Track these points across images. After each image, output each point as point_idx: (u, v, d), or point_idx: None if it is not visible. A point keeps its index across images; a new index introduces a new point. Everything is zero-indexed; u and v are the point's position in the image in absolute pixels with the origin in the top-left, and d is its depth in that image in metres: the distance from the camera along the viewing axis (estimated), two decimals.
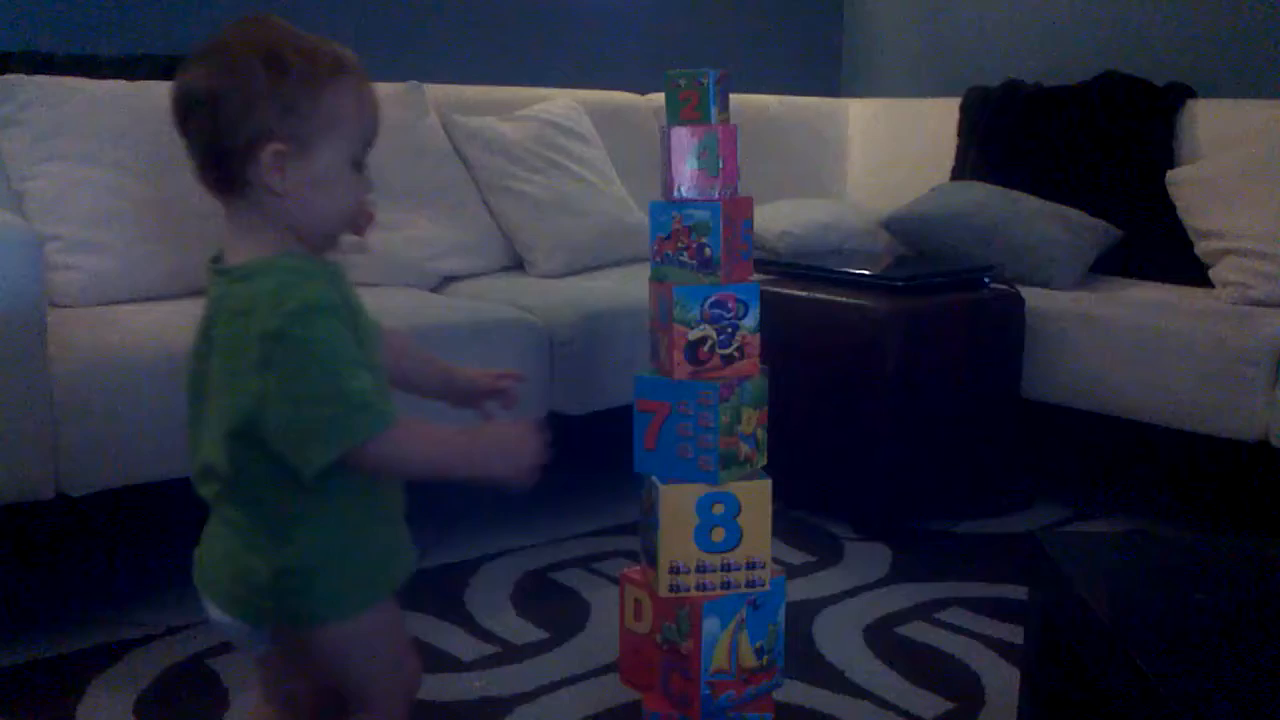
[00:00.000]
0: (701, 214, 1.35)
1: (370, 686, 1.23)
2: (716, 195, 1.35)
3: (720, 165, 1.35)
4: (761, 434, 1.44)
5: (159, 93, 2.48)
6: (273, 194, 1.10)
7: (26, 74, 2.35)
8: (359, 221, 1.17)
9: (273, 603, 1.15)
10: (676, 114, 1.37)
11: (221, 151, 1.09)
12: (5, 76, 2.33)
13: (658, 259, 1.38)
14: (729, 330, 1.36)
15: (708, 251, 1.35)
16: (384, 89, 3.03)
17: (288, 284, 1.07)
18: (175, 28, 2.86)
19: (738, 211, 1.37)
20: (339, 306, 1.09)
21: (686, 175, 1.35)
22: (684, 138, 1.35)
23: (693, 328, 1.36)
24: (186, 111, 1.11)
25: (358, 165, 1.15)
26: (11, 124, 2.32)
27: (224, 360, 1.10)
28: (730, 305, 1.37)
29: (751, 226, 1.42)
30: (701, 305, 1.36)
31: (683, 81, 1.36)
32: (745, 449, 1.41)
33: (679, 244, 1.36)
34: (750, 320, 1.38)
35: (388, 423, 1.07)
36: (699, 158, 1.35)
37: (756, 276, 2.72)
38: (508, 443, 1.15)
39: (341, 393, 1.05)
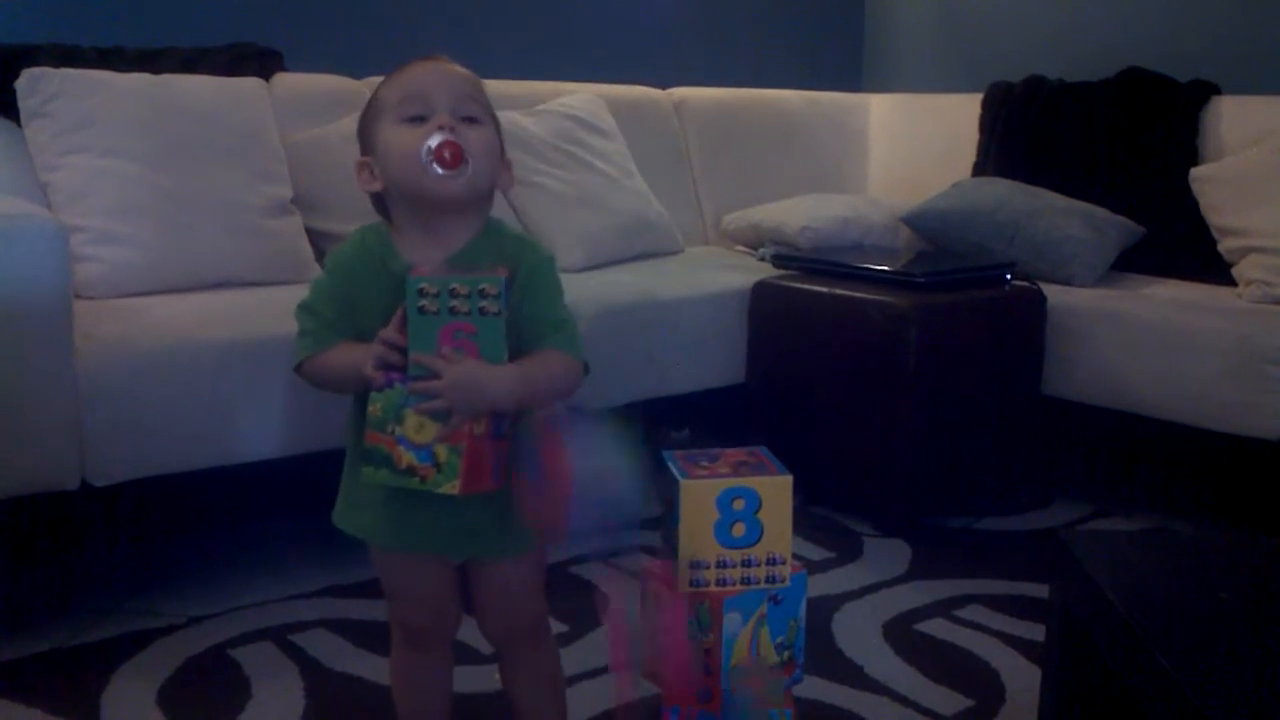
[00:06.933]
0: None
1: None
2: None
3: None
4: (445, 453, 1.21)
5: (182, 85, 2.51)
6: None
7: (52, 67, 2.37)
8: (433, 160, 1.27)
9: None
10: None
11: None
12: (31, 70, 2.35)
13: None
14: None
15: None
16: None
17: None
18: (198, 21, 2.88)
19: None
20: (338, 270, 1.34)
21: None
22: None
23: None
24: None
25: (413, 120, 1.28)
26: (37, 116, 2.33)
27: None
28: None
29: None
30: None
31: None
32: (408, 457, 1.22)
33: None
34: None
35: (311, 351, 1.31)
36: None
37: (778, 272, 2.74)
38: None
39: (300, 328, 1.33)
